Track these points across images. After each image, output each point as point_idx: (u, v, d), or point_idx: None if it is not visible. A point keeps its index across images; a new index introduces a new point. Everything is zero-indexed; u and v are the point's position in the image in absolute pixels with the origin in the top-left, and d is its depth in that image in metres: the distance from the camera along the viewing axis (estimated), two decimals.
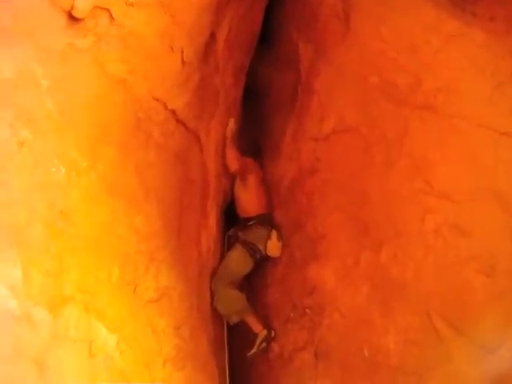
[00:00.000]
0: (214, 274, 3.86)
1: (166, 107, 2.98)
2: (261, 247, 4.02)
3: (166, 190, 3.01)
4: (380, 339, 3.06)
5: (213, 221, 3.91)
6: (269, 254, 4.06)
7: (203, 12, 3.06)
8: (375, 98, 3.36)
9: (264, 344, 3.78)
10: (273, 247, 4.05)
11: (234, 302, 3.84)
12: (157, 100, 2.89)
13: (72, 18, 2.11)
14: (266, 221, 4.18)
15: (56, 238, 1.92)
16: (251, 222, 4.15)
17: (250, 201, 4.22)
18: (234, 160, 4.10)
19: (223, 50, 3.70)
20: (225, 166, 4.14)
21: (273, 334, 3.81)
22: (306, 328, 3.59)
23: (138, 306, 2.50)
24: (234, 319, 3.84)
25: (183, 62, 3.01)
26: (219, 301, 3.79)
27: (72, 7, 2.08)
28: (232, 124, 4.16)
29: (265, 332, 3.80)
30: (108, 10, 2.29)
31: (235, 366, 3.88)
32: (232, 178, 4.30)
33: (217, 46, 3.60)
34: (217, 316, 3.83)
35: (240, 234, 4.13)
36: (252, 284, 4.18)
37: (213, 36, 3.44)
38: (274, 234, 4.07)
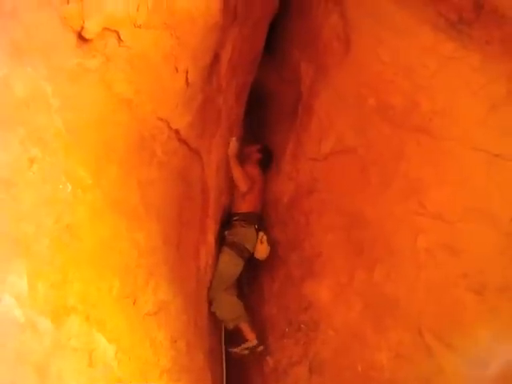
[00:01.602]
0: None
1: (169, 127, 3.04)
2: (248, 246, 4.10)
3: (166, 206, 3.06)
4: (373, 355, 3.11)
5: (211, 237, 3.96)
6: (256, 255, 4.15)
7: (208, 34, 3.11)
8: (373, 119, 3.40)
9: (247, 352, 3.85)
10: (262, 250, 4.16)
11: (232, 309, 3.94)
12: (161, 120, 2.94)
13: (82, 38, 2.17)
14: (252, 219, 4.24)
15: (61, 251, 1.97)
16: (235, 218, 4.21)
17: (239, 198, 4.28)
18: (242, 181, 4.19)
19: (226, 70, 3.75)
20: (226, 184, 4.23)
21: (260, 348, 3.87)
22: (301, 343, 3.64)
23: (137, 318, 2.55)
24: (231, 325, 3.92)
25: (187, 83, 3.06)
26: (218, 307, 3.88)
27: (82, 28, 2.14)
28: (233, 143, 4.22)
29: (255, 342, 3.88)
30: (116, 32, 2.34)
31: (231, 379, 3.92)
32: (231, 195, 4.39)
33: (220, 66, 3.65)
34: (213, 329, 3.88)
35: (226, 233, 4.17)
36: (250, 299, 4.22)
37: (217, 56, 3.49)
38: (264, 237, 4.15)
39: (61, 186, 2.03)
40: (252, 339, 3.89)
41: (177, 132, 3.15)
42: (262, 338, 3.94)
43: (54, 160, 2.02)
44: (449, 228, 2.87)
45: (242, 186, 4.20)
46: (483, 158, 2.74)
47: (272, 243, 4.21)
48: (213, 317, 3.90)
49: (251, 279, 4.35)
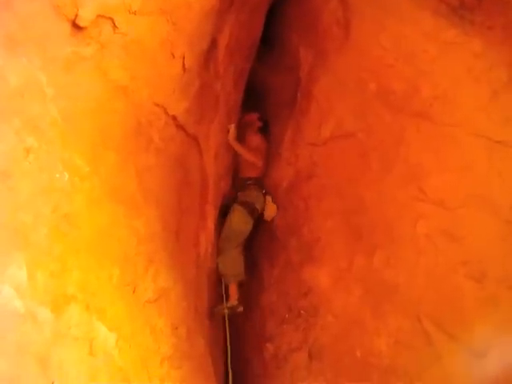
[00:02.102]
0: (211, 274, 3.96)
1: (166, 113, 3.03)
2: (258, 206, 4.29)
3: (165, 193, 3.06)
4: (372, 341, 3.13)
5: (211, 223, 3.98)
6: (265, 215, 4.36)
7: (204, 19, 3.09)
8: (373, 104, 3.40)
9: (227, 311, 3.93)
10: (271, 209, 4.34)
11: (235, 265, 4.10)
12: (158, 106, 2.93)
13: (76, 26, 2.15)
14: (261, 183, 4.46)
15: (60, 240, 1.97)
16: (249, 182, 4.38)
17: (252, 159, 4.36)
18: (254, 158, 4.35)
19: (224, 55, 3.74)
20: (225, 170, 4.29)
21: (240, 309, 3.99)
22: (300, 329, 3.66)
23: (137, 305, 2.55)
24: (232, 280, 4.07)
25: (184, 69, 3.05)
26: (223, 261, 4.07)
27: (76, 16, 2.12)
28: (232, 129, 4.24)
29: (235, 302, 4.00)
30: (111, 19, 2.33)
31: (231, 365, 3.94)
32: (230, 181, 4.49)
33: (218, 52, 3.64)
34: (215, 317, 3.92)
35: (239, 194, 4.35)
36: (250, 286, 4.25)
37: (214, 42, 3.48)
38: (269, 199, 4.37)
39: (58, 175, 2.03)
40: (234, 300, 4.01)
41: (174, 118, 3.14)
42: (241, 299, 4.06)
43: (50, 149, 2.02)
44: (449, 214, 2.88)
45: (256, 161, 4.36)
46: (484, 145, 2.74)
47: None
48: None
49: (251, 266, 4.35)
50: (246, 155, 4.34)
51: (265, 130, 4.67)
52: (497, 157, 2.69)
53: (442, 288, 2.85)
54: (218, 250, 4.11)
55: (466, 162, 2.84)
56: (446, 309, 2.82)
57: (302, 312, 3.69)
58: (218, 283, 4.15)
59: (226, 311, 3.93)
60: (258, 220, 4.33)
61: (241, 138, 4.41)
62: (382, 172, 3.30)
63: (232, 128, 4.23)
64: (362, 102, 3.51)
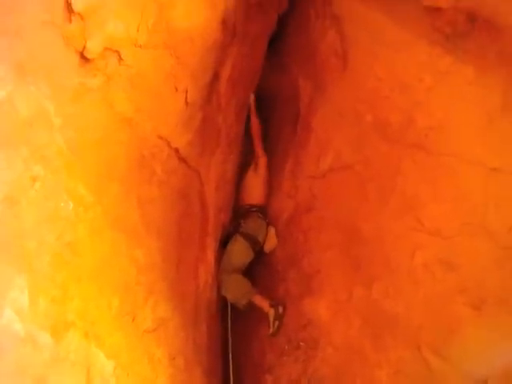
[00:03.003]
0: (210, 305, 3.93)
1: (169, 145, 3.07)
2: (260, 239, 4.24)
3: (166, 224, 3.09)
4: (373, 372, 3.10)
5: (211, 255, 3.98)
6: (265, 248, 4.29)
7: (207, 53, 3.16)
8: (370, 136, 3.42)
9: (277, 322, 3.82)
10: (272, 243, 4.28)
11: (239, 286, 4.00)
12: (161, 138, 2.98)
13: (84, 57, 2.20)
14: (265, 212, 4.42)
15: (62, 268, 2.02)
16: (254, 209, 4.35)
17: (257, 188, 4.44)
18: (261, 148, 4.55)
19: (226, 88, 3.79)
20: (225, 201, 4.31)
21: (280, 309, 3.86)
22: (300, 361, 3.63)
23: (136, 335, 2.57)
24: (243, 301, 3.96)
25: (187, 102, 3.10)
26: (227, 288, 3.99)
27: (84, 48, 2.18)
28: (252, 97, 4.52)
29: (272, 311, 3.87)
30: (117, 52, 2.38)
31: None
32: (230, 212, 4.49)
33: (220, 84, 3.69)
34: (213, 348, 3.87)
35: (242, 222, 4.29)
36: (249, 317, 4.20)
37: (216, 75, 3.53)
38: (272, 230, 4.30)
39: (62, 204, 2.08)
40: (268, 309, 3.90)
41: (176, 151, 3.18)
42: (273, 302, 3.95)
43: (56, 178, 2.06)
44: (446, 243, 2.87)
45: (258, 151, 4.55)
46: (480, 172, 2.73)
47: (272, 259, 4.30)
48: (213, 335, 3.90)
49: None
50: (256, 135, 4.52)
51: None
52: (492, 183, 2.68)
53: (441, 316, 2.84)
54: (219, 283, 4.06)
55: (461, 191, 2.84)
56: (446, 337, 2.81)
57: (301, 344, 3.66)
58: (223, 316, 4.15)
59: (277, 324, 3.82)
60: (259, 252, 4.30)
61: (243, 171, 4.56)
62: (380, 203, 3.32)
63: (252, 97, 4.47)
64: (360, 134, 3.53)
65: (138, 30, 2.46)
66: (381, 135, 3.34)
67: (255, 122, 4.57)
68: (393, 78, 3.22)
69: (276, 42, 4.66)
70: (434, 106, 2.98)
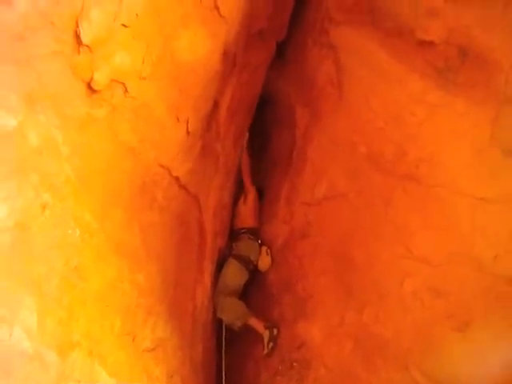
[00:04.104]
0: (206, 326, 4.04)
1: (170, 174, 3.17)
2: (253, 258, 4.38)
3: (166, 248, 3.19)
4: None
5: (208, 277, 4.08)
6: (259, 267, 4.40)
7: (209, 83, 3.25)
8: (363, 166, 3.50)
9: (271, 343, 3.93)
10: (266, 262, 4.40)
11: (235, 308, 4.12)
12: (162, 167, 3.08)
13: (91, 88, 2.26)
14: (256, 233, 4.56)
15: (69, 291, 2.12)
16: (244, 231, 4.50)
17: (247, 215, 4.61)
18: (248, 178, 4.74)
19: (225, 117, 3.87)
20: (222, 226, 4.42)
21: (275, 331, 3.97)
22: (293, 380, 3.70)
23: (136, 354, 2.67)
24: (239, 323, 4.08)
25: (188, 132, 3.20)
26: (222, 310, 4.10)
27: (91, 79, 2.23)
28: (247, 135, 4.71)
29: (267, 333, 3.98)
30: (123, 84, 2.45)
31: None
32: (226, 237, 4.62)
33: (219, 113, 3.77)
34: (208, 367, 3.96)
35: (234, 245, 4.47)
36: (244, 338, 4.28)
37: (216, 104, 3.61)
38: (264, 249, 4.44)
39: (70, 231, 2.18)
40: (263, 332, 4.01)
41: (177, 179, 3.28)
42: (268, 324, 4.05)
43: (64, 205, 2.16)
44: (434, 271, 2.95)
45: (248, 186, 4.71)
46: (468, 203, 2.80)
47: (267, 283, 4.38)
48: (208, 354, 3.97)
49: None
50: (246, 172, 4.69)
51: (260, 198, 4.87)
52: (480, 213, 2.74)
53: (429, 340, 2.93)
54: (215, 305, 4.16)
55: (450, 221, 2.90)
56: (433, 359, 2.89)
57: (294, 364, 3.74)
58: (218, 336, 4.23)
59: (271, 344, 3.93)
60: (254, 272, 4.41)
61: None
62: (372, 232, 3.40)
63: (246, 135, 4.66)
64: (354, 164, 3.61)
65: (143, 62, 2.53)
66: (374, 166, 3.42)
67: (246, 159, 4.76)
68: (387, 111, 3.30)
69: (274, 67, 4.70)
70: (426, 138, 3.05)
